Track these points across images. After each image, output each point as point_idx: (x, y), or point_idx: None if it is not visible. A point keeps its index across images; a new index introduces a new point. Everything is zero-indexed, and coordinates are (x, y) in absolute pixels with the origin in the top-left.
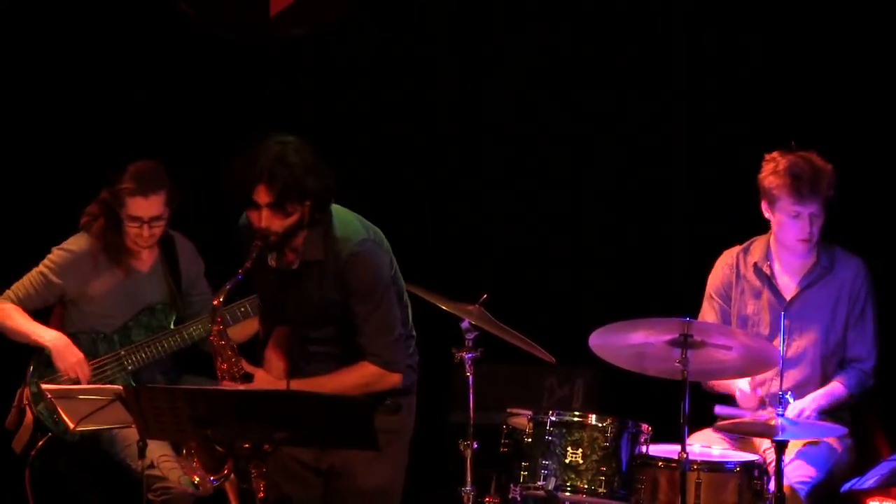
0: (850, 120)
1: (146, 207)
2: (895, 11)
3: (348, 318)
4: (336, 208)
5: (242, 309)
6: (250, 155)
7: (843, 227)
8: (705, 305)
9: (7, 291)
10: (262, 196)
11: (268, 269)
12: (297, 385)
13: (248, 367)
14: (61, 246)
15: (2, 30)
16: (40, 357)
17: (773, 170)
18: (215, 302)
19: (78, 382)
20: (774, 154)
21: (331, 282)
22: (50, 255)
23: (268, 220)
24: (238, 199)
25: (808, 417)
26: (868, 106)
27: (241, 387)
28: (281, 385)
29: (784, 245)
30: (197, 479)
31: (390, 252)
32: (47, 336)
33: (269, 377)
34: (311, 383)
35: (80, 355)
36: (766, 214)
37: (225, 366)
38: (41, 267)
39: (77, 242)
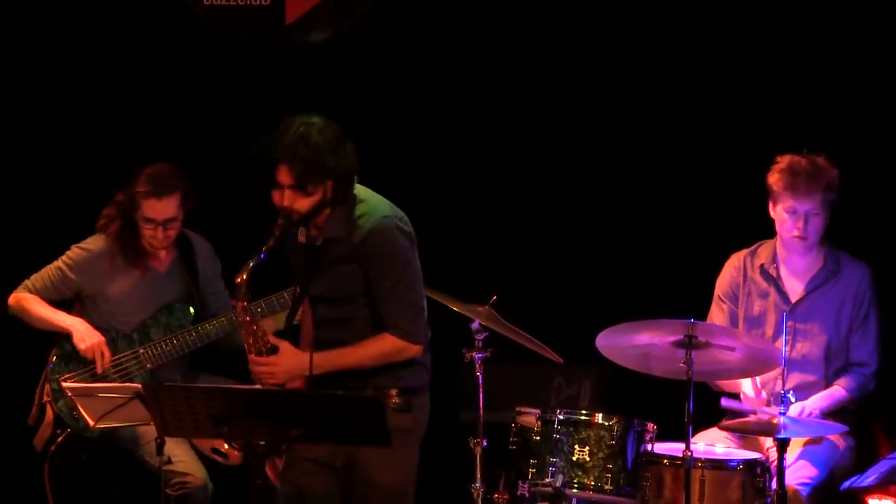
0: (860, 124)
1: (160, 210)
2: None
3: (370, 294)
4: (366, 190)
5: (282, 300)
6: (274, 135)
7: (849, 232)
8: (714, 308)
9: (25, 282)
10: (284, 177)
11: (297, 245)
12: (320, 359)
13: (274, 340)
14: (80, 245)
15: (13, 32)
16: (61, 352)
17: (777, 168)
18: (238, 280)
19: (98, 377)
20: (785, 156)
21: (352, 257)
22: (68, 252)
23: (290, 200)
24: (261, 179)
25: (809, 415)
26: (878, 110)
27: (258, 385)
28: (304, 357)
29: (784, 244)
30: (226, 447)
31: (413, 239)
32: (69, 320)
33: (293, 350)
34: (334, 355)
35: (102, 337)
36: (771, 214)
37: (251, 339)
38: (59, 262)
39: (95, 243)
